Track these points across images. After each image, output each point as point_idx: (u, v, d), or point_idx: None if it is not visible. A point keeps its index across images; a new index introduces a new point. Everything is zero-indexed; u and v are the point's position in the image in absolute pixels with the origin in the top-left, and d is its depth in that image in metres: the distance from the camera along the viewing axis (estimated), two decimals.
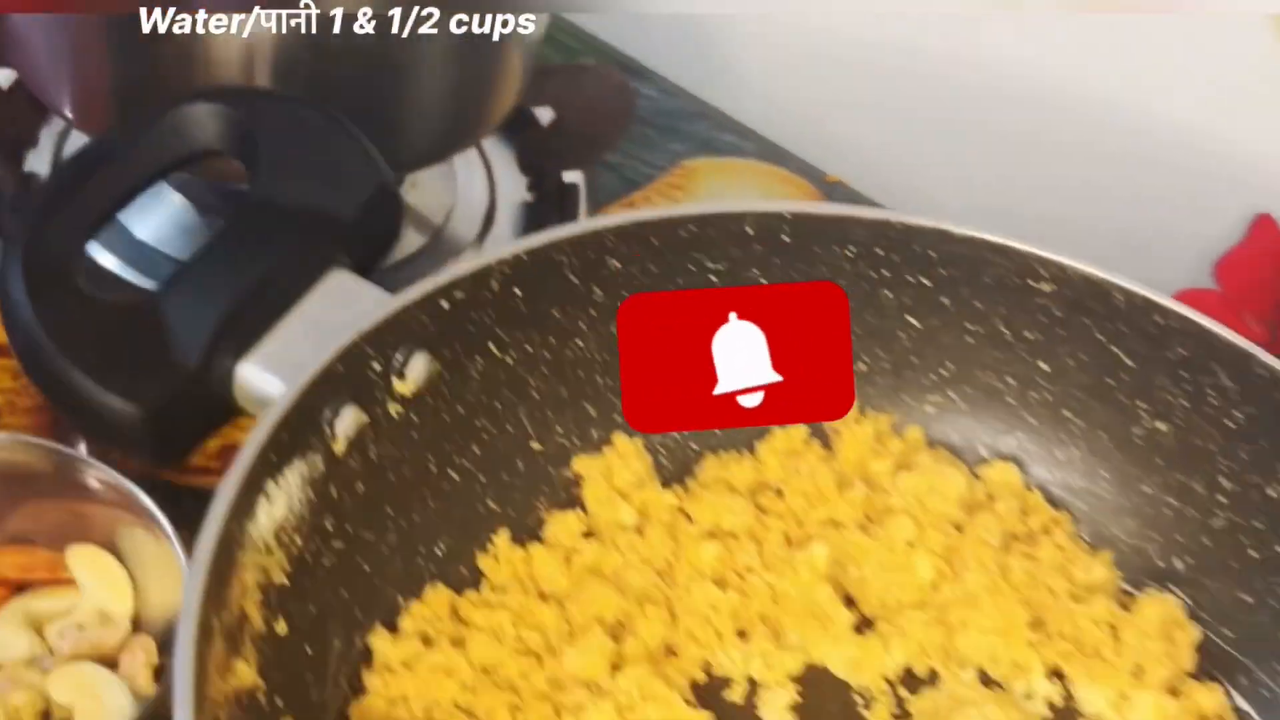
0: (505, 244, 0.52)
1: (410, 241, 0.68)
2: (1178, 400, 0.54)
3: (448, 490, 0.52)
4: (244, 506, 0.43)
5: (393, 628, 0.50)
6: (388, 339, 0.48)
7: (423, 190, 0.70)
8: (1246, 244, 0.70)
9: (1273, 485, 0.53)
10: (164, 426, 0.47)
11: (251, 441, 0.44)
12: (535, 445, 0.54)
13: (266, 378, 0.47)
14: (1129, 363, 0.55)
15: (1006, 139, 0.73)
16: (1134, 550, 0.56)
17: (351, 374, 0.47)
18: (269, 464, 0.45)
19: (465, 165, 0.73)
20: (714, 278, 0.55)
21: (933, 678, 0.53)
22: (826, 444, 0.57)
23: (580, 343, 0.54)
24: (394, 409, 0.49)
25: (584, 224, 0.53)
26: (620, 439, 0.56)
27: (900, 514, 0.54)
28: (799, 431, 0.57)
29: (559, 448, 0.55)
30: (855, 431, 0.57)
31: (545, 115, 0.75)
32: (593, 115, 0.77)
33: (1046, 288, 0.55)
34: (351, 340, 0.47)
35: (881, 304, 0.56)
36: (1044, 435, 0.57)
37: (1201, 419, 0.54)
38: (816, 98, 0.79)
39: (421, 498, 0.51)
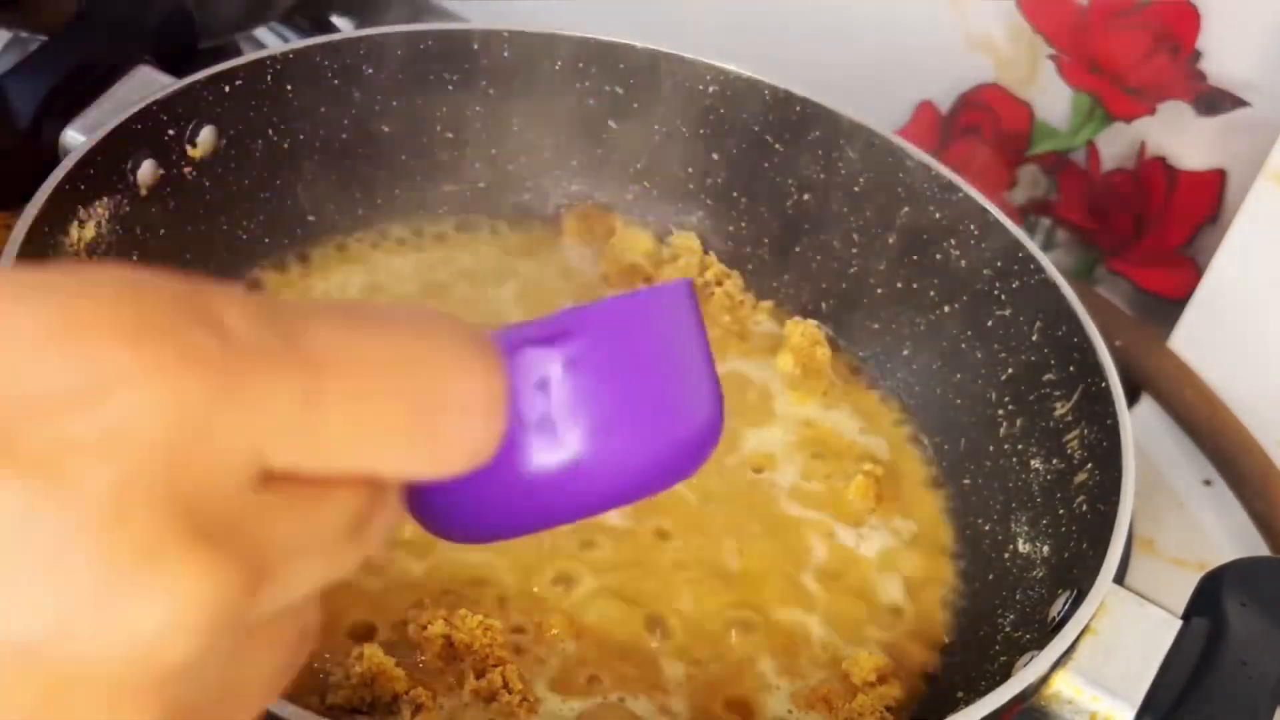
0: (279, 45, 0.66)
1: None
2: (817, 174, 0.69)
3: (237, 246, 0.66)
4: (55, 218, 0.57)
5: None
6: (179, 108, 0.62)
7: None
8: (911, 125, 0.85)
9: (891, 234, 0.68)
10: (3, 175, 0.61)
11: (61, 167, 0.57)
12: (310, 218, 0.68)
13: (83, 139, 0.61)
14: (778, 147, 0.69)
15: None
16: (789, 298, 0.71)
17: (149, 133, 0.61)
18: (78, 191, 0.58)
19: None
20: (451, 86, 0.69)
21: None
22: None
23: (345, 135, 0.68)
24: (189, 171, 0.63)
25: (342, 34, 0.67)
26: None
27: None
28: None
29: (331, 222, 0.69)
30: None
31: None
32: None
33: (712, 90, 0.69)
34: (147, 104, 0.60)
35: (585, 109, 0.70)
36: (718, 212, 0.72)
37: (834, 187, 0.69)
38: None
39: (215, 248, 0.65)
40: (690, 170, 0.71)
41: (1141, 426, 0.74)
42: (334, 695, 0.50)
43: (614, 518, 0.60)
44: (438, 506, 0.30)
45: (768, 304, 0.71)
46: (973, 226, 0.66)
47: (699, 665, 0.56)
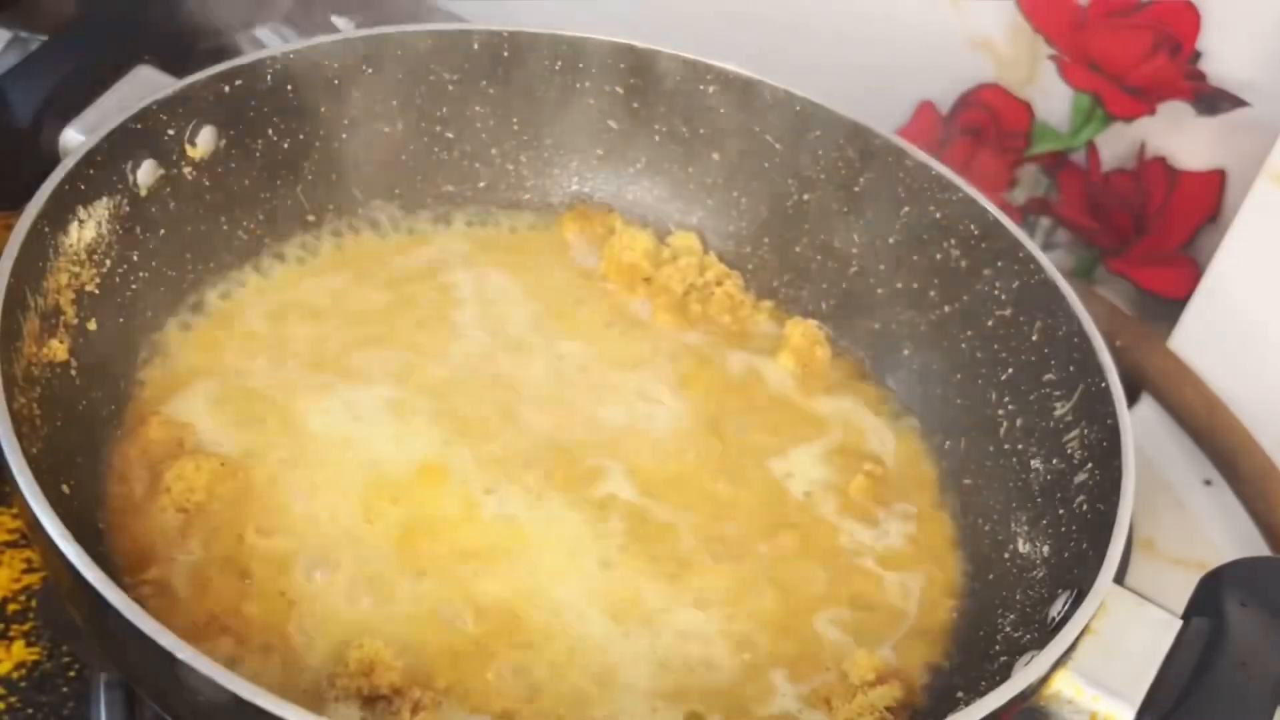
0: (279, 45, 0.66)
1: None
2: (817, 174, 0.69)
3: (237, 246, 0.66)
4: (56, 217, 0.57)
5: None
6: (179, 109, 0.62)
7: None
8: (911, 125, 0.85)
9: (891, 234, 0.68)
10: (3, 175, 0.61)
11: (61, 167, 0.57)
12: (310, 218, 0.68)
13: (83, 139, 0.61)
14: (777, 146, 0.69)
15: None
16: (790, 298, 0.71)
17: (149, 133, 0.61)
18: (79, 191, 0.58)
19: None
20: (451, 86, 0.69)
21: None
22: None
23: (345, 135, 0.68)
24: (188, 171, 0.63)
25: (342, 34, 0.67)
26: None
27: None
28: None
29: (331, 222, 0.69)
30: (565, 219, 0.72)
31: None
32: None
33: (712, 89, 0.69)
34: (147, 104, 0.60)
35: (585, 109, 0.70)
36: (718, 212, 0.72)
37: (834, 186, 0.69)
38: None
39: (215, 248, 0.65)
40: (690, 170, 0.71)
41: (1141, 426, 0.74)
42: (332, 687, 0.51)
43: (621, 515, 0.60)
44: None
45: (768, 304, 0.71)
46: (973, 227, 0.65)
47: (704, 669, 0.56)
